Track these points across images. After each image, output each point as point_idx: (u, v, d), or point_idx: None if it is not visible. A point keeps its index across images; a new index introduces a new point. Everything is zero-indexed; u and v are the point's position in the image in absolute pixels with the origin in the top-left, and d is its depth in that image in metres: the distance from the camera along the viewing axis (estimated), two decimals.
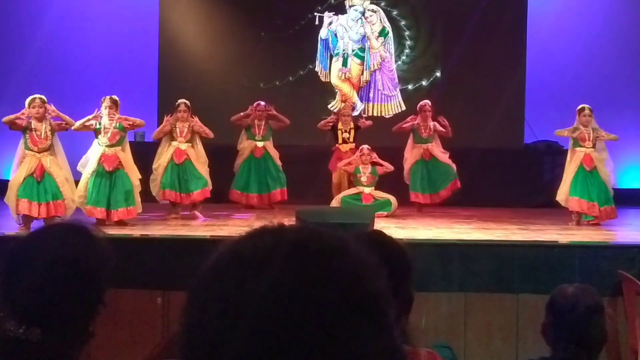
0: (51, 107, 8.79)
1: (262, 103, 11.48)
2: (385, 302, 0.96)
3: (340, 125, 11.50)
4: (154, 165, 10.12)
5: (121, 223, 9.00)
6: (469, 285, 7.24)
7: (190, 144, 10.22)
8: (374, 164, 10.85)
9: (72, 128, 9.06)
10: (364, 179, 10.77)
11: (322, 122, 11.64)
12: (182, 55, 13.30)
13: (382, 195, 10.69)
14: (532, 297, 6.87)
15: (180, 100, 10.32)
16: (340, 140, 11.42)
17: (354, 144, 11.25)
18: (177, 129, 10.19)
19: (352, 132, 11.43)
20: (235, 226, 9.23)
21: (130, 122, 9.36)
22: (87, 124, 9.15)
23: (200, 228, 9.03)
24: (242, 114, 11.36)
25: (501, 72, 13.14)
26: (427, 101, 11.53)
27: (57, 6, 13.42)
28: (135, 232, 8.42)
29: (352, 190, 10.76)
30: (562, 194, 9.94)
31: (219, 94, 12.89)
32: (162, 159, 10.15)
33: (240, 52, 13.37)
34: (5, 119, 8.72)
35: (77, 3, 13.58)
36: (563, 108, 11.77)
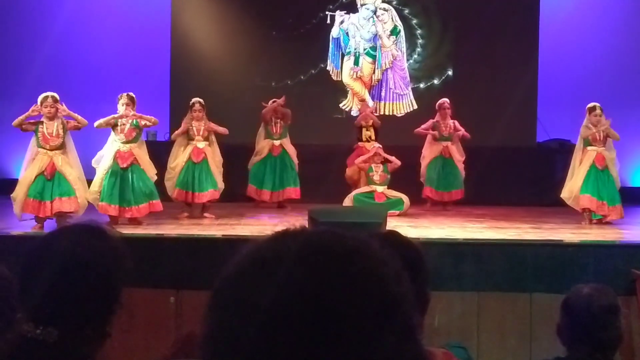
0: (62, 107, 8.79)
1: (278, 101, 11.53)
2: (408, 305, 0.96)
3: (363, 123, 11.53)
4: (172, 164, 10.14)
5: (135, 222, 9.01)
6: (482, 285, 7.22)
7: (207, 142, 10.25)
8: (384, 161, 10.85)
9: (95, 125, 9.10)
10: (376, 177, 10.77)
11: (359, 118, 11.64)
12: (194, 54, 13.32)
13: (394, 194, 10.69)
14: (546, 296, 6.85)
15: (194, 99, 10.33)
16: (364, 138, 11.44)
17: (376, 142, 11.27)
18: (194, 128, 10.21)
19: (372, 130, 11.47)
20: (247, 225, 9.23)
21: (145, 121, 9.37)
22: (111, 121, 9.19)
23: (213, 227, 9.03)
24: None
25: (513, 71, 13.11)
26: (446, 99, 11.54)
27: (69, 5, 13.46)
28: (148, 231, 8.43)
29: (365, 189, 10.76)
30: (569, 192, 9.87)
31: (231, 93, 12.91)
32: (180, 158, 10.17)
33: (251, 51, 13.38)
34: (15, 122, 8.71)
35: (88, 2, 13.61)
36: (576, 106, 11.71)
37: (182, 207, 10.14)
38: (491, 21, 13.18)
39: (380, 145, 10.96)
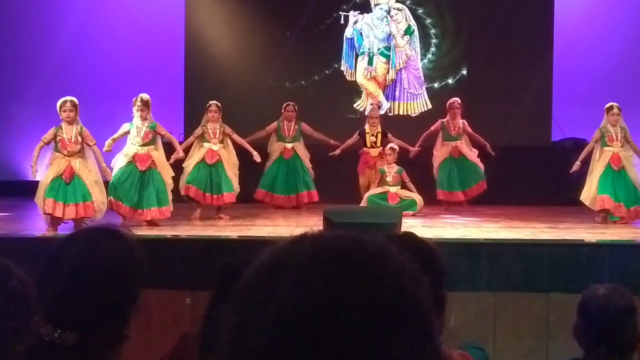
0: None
1: (291, 103, 11.53)
2: (427, 310, 0.96)
3: (367, 129, 11.47)
4: (184, 164, 10.18)
5: (152, 223, 9.04)
6: (497, 285, 7.20)
7: (222, 145, 10.27)
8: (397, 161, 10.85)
9: (105, 149, 9.14)
10: (389, 178, 10.75)
11: (344, 145, 11.52)
12: (207, 55, 13.33)
13: (408, 194, 10.68)
14: (562, 296, 6.82)
15: (211, 102, 10.38)
16: (368, 144, 11.40)
17: (381, 148, 11.21)
18: (209, 130, 10.24)
19: (379, 136, 11.40)
20: (262, 226, 9.25)
21: (164, 134, 9.45)
22: (116, 137, 9.29)
23: (228, 228, 9.05)
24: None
25: (528, 69, 13.05)
26: (456, 99, 11.50)
27: (82, 6, 13.49)
28: (164, 232, 8.46)
29: (379, 190, 10.75)
30: (587, 194, 9.81)
31: (245, 94, 12.92)
32: (192, 158, 10.20)
33: (265, 51, 13.39)
34: (38, 147, 8.80)
35: (101, 3, 13.65)
36: (591, 105, 11.67)
37: (195, 207, 10.15)
38: (505, 19, 13.12)
39: (395, 147, 10.92)
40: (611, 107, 9.89)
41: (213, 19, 13.45)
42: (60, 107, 8.69)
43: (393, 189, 10.67)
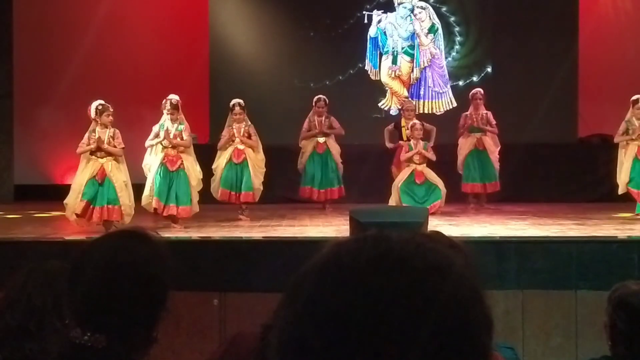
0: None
1: (322, 97, 11.44)
2: (484, 330, 0.93)
3: (403, 122, 11.39)
4: (213, 166, 10.21)
5: (173, 219, 9.10)
6: (525, 283, 7.16)
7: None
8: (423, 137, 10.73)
9: (146, 145, 9.25)
10: (416, 157, 10.58)
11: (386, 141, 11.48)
12: (232, 56, 13.39)
13: (433, 177, 10.43)
14: (591, 293, 6.78)
15: (234, 101, 10.35)
16: (405, 137, 11.32)
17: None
18: (234, 130, 10.26)
19: None
20: (288, 227, 9.25)
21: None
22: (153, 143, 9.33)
23: (254, 229, 9.06)
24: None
25: (553, 65, 12.98)
26: (479, 89, 11.39)
27: (107, 8, 13.56)
28: (191, 234, 8.48)
29: (406, 172, 10.52)
30: (622, 188, 9.77)
31: (270, 95, 12.95)
32: (220, 159, 10.24)
33: (290, 52, 13.42)
34: (79, 151, 8.81)
35: (126, 5, 13.73)
36: (618, 100, 11.57)
37: (226, 209, 10.19)
38: (530, 15, 13.07)
39: (421, 123, 10.80)
40: (637, 100, 9.80)
41: (237, 20, 13.50)
42: (102, 111, 8.75)
43: (419, 167, 10.50)
